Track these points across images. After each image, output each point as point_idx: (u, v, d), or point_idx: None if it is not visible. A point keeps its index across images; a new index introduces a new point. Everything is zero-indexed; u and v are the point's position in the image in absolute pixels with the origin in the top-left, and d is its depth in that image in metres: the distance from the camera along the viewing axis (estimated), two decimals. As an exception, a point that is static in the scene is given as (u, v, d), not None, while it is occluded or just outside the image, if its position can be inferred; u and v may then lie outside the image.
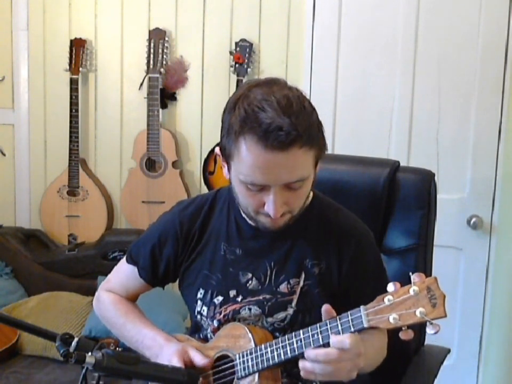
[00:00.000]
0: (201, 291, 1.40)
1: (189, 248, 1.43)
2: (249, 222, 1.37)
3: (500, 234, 2.56)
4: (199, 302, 1.40)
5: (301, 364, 1.14)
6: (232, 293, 1.37)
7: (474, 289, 2.63)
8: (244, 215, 1.38)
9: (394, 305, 1.06)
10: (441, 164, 2.58)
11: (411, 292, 1.05)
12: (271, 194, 1.22)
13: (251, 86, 1.23)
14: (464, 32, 2.55)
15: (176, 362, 1.28)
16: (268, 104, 1.17)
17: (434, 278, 1.06)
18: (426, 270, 1.70)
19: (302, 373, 1.14)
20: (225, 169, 1.32)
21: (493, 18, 2.51)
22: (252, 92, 1.20)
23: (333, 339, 1.11)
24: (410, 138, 2.66)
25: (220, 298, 1.37)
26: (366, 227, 1.43)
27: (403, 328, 1.06)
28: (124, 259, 1.53)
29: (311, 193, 1.41)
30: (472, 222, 2.57)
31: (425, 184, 1.70)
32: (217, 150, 1.31)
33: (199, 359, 1.30)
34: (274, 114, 1.15)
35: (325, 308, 1.16)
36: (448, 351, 1.78)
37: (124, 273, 1.53)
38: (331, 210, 1.42)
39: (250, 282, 1.37)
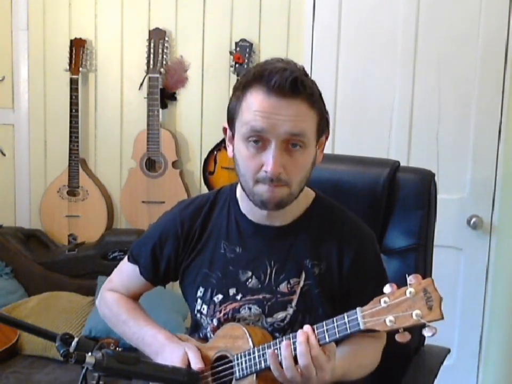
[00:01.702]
0: (201, 289, 1.40)
1: (189, 247, 1.43)
2: (251, 219, 1.38)
3: (499, 234, 2.56)
4: (199, 300, 1.40)
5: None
6: (232, 291, 1.37)
7: (474, 289, 2.63)
8: (245, 212, 1.39)
9: (391, 307, 1.06)
10: (441, 164, 2.58)
11: (407, 294, 1.04)
12: (271, 149, 1.23)
13: (262, 62, 1.31)
14: (464, 32, 2.55)
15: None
16: (277, 61, 1.26)
17: (430, 280, 1.05)
18: (426, 270, 1.70)
19: (269, 352, 1.17)
20: (229, 149, 1.34)
21: (493, 18, 2.51)
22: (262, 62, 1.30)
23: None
24: (410, 138, 2.66)
25: (220, 296, 1.38)
26: (367, 228, 1.43)
27: (400, 331, 1.05)
28: (126, 259, 1.54)
29: (312, 193, 1.41)
30: (472, 222, 2.57)
31: (425, 184, 1.70)
32: (224, 124, 1.35)
33: (195, 362, 1.29)
34: (282, 65, 1.24)
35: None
36: (448, 351, 1.78)
37: (125, 273, 1.54)
38: (332, 210, 1.42)
39: (250, 280, 1.37)
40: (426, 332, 1.02)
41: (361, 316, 1.09)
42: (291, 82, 1.20)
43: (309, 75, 1.29)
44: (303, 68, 1.28)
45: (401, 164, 1.75)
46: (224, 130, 1.36)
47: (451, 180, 2.58)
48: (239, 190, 1.40)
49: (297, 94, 1.22)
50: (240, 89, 1.27)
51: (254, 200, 1.31)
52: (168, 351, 1.35)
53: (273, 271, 1.36)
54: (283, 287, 1.34)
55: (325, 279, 1.34)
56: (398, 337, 1.06)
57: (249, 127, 1.24)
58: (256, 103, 1.23)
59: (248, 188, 1.30)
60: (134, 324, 1.45)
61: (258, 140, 1.24)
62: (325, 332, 1.14)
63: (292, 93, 1.21)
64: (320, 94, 1.29)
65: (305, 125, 1.25)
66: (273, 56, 1.30)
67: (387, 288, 1.08)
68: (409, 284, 1.05)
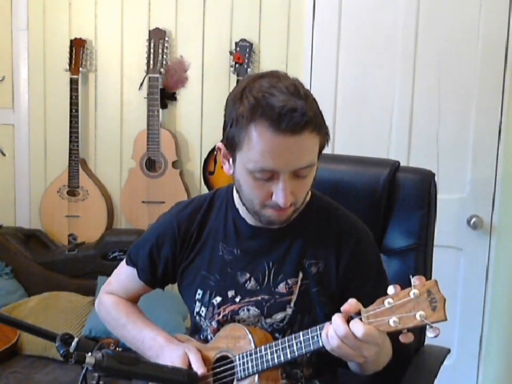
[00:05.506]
0: (200, 292, 1.40)
1: (187, 249, 1.43)
2: (249, 222, 1.37)
3: (500, 234, 2.56)
4: (197, 302, 1.40)
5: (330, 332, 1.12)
6: (231, 293, 1.37)
7: (474, 289, 2.63)
8: (243, 215, 1.38)
9: (395, 308, 1.06)
10: (441, 164, 2.58)
11: (411, 295, 1.04)
12: (280, 182, 1.21)
13: (255, 77, 1.24)
14: (464, 32, 2.55)
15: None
16: (277, 90, 1.18)
17: (434, 281, 1.05)
18: (426, 270, 1.70)
19: (323, 335, 1.13)
20: (226, 166, 1.30)
21: (493, 18, 2.51)
22: (257, 82, 1.21)
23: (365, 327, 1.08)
24: (410, 138, 2.66)
25: (218, 298, 1.37)
26: (365, 227, 1.42)
27: (403, 331, 1.05)
28: (124, 261, 1.53)
29: (309, 193, 1.41)
30: (472, 222, 2.57)
31: (425, 184, 1.70)
32: (219, 145, 1.30)
33: (197, 367, 1.29)
34: (285, 98, 1.16)
35: (350, 301, 1.12)
36: (448, 351, 1.77)
37: (124, 275, 1.53)
38: (330, 210, 1.41)
39: (248, 282, 1.36)
40: (429, 333, 1.02)
41: (365, 317, 1.09)
42: (303, 125, 1.16)
43: (304, 85, 1.23)
44: (300, 84, 1.21)
45: (401, 164, 1.74)
46: (219, 149, 1.31)
47: (451, 180, 2.58)
48: (236, 195, 1.38)
49: (306, 127, 1.17)
50: (243, 119, 1.18)
51: (260, 220, 1.31)
52: (168, 351, 1.34)
53: (271, 272, 1.36)
54: (281, 287, 1.34)
55: (323, 278, 1.34)
56: (401, 338, 1.06)
57: (258, 167, 1.20)
58: (263, 142, 1.17)
59: (252, 209, 1.29)
60: (133, 327, 1.45)
61: (266, 173, 1.22)
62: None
63: (302, 129, 1.16)
64: (318, 107, 1.22)
65: (313, 155, 1.23)
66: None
67: (391, 289, 1.07)
68: (413, 285, 1.05)
